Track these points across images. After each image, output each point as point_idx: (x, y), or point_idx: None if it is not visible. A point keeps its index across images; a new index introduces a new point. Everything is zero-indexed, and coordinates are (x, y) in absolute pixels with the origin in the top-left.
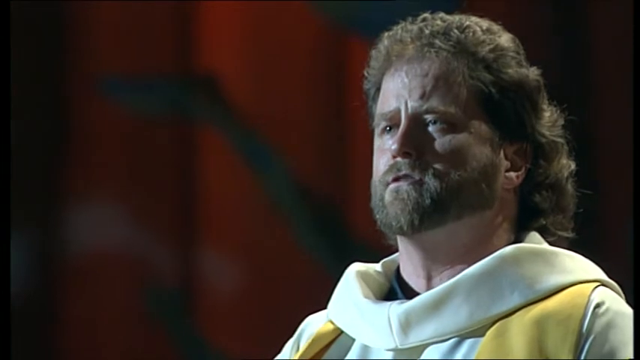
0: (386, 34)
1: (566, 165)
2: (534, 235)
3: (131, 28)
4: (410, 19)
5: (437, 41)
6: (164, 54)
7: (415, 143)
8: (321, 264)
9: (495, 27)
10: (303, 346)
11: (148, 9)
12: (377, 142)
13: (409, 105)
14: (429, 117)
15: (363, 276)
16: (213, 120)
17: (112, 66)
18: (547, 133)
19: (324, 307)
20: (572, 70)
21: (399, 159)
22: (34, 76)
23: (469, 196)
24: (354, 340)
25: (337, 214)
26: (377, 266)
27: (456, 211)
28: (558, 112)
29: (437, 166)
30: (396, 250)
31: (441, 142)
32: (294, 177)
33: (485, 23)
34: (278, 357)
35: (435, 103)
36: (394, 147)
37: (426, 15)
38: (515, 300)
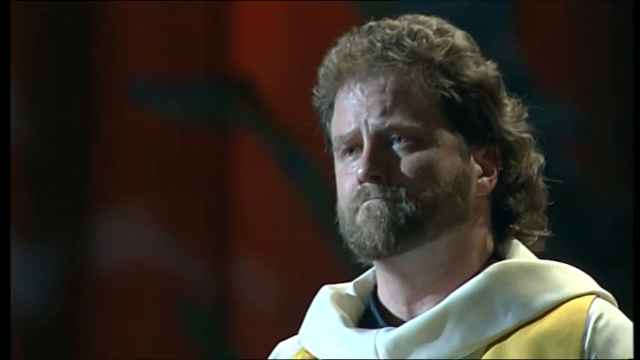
0: (333, 49)
1: (535, 159)
2: (518, 246)
3: (163, 29)
4: (355, 29)
5: (390, 53)
6: (197, 56)
7: (382, 165)
8: (357, 272)
9: (446, 26)
10: None
11: (180, 9)
12: (338, 165)
13: (370, 123)
14: (392, 134)
15: (337, 300)
16: (248, 126)
17: (142, 69)
18: (513, 130)
19: None
20: None
21: (366, 184)
22: (62, 79)
23: (445, 212)
24: None
25: None
26: (349, 288)
27: (433, 229)
28: (520, 104)
29: (408, 185)
30: (367, 268)
31: (410, 160)
32: (332, 185)
33: (434, 22)
34: None
35: (397, 119)
36: (360, 171)
37: (372, 24)
38: (509, 321)
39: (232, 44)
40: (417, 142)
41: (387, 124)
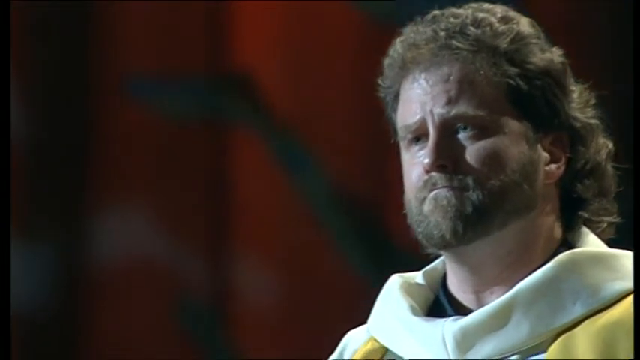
0: (398, 39)
1: (603, 145)
2: (587, 235)
3: (161, 25)
4: (419, 18)
5: (454, 42)
6: (196, 52)
7: (448, 154)
8: (361, 273)
9: (511, 13)
10: None
11: (179, 7)
12: (405, 155)
13: (435, 113)
14: (458, 124)
15: (407, 289)
16: (248, 123)
17: (141, 65)
18: (581, 116)
19: (365, 319)
20: None
21: (433, 173)
22: (61, 78)
23: (513, 200)
24: (402, 358)
25: (378, 222)
26: (418, 276)
27: (501, 218)
28: (587, 90)
29: (475, 174)
30: (436, 257)
31: (476, 149)
32: (332, 183)
33: (499, 10)
34: None
35: (462, 108)
36: (427, 161)
37: (436, 13)
38: (577, 310)
39: (231, 42)
40: (482, 131)
41: (452, 113)
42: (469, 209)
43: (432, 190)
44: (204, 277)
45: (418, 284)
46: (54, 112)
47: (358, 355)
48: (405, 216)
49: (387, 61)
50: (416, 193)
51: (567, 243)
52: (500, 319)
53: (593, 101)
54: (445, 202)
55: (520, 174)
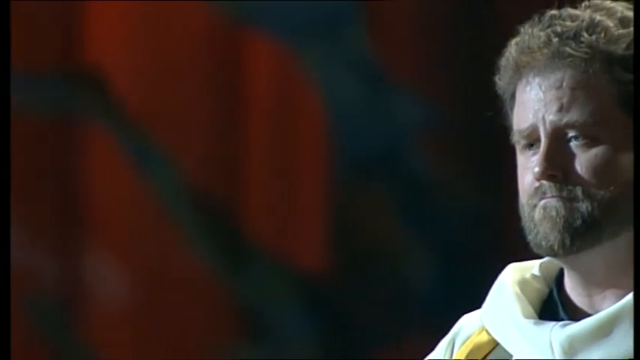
0: (513, 41)
1: None
2: None
3: (14, 23)
4: (536, 18)
5: (567, 48)
6: (48, 50)
7: (559, 163)
8: (214, 270)
9: (630, 14)
10: (457, 351)
11: (31, 3)
12: (519, 158)
13: (547, 120)
14: (569, 132)
15: (521, 286)
16: (100, 120)
17: None
18: None
19: (221, 314)
20: None
21: (543, 181)
22: None
23: (623, 211)
24: (511, 355)
25: (230, 219)
26: (535, 268)
27: (611, 229)
28: None
29: (585, 185)
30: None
31: (587, 159)
32: (185, 178)
33: (619, 10)
34: (432, 354)
35: (574, 116)
36: (537, 170)
37: (553, 13)
38: None
39: (84, 39)
40: (594, 140)
41: (564, 121)
42: (578, 221)
43: (542, 199)
44: (54, 273)
45: (534, 277)
46: None
47: (469, 346)
48: (258, 212)
49: (502, 62)
50: (527, 200)
51: None
52: (607, 330)
53: None
54: (554, 213)
55: (630, 184)
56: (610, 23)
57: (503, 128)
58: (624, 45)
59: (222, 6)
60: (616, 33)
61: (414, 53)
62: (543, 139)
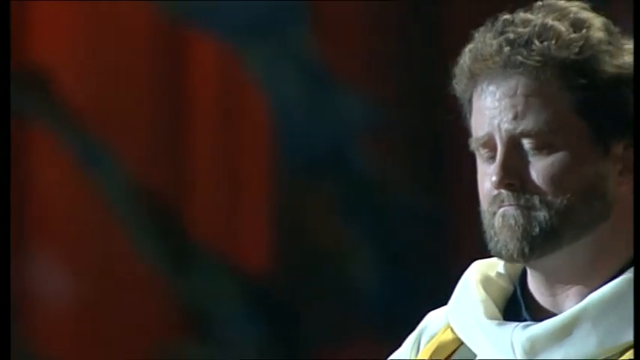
0: (467, 48)
1: None
2: None
3: None
4: (489, 24)
5: (519, 57)
6: None
7: (515, 171)
8: (158, 269)
9: (584, 15)
10: (422, 350)
11: None
12: (479, 165)
13: (502, 128)
14: (525, 140)
15: (485, 284)
16: (43, 118)
17: None
18: None
19: (166, 314)
20: None
21: (502, 190)
22: None
23: (581, 217)
24: (475, 355)
25: (175, 217)
26: (500, 266)
27: (570, 235)
28: None
29: (542, 193)
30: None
31: (543, 167)
32: (130, 178)
33: (572, 12)
34: (398, 352)
35: (529, 124)
36: (494, 179)
37: (506, 18)
38: None
39: (28, 39)
40: (550, 147)
41: (519, 130)
42: (536, 229)
43: (500, 207)
44: None
45: (499, 275)
46: None
47: (434, 345)
48: (203, 212)
49: (457, 69)
50: (487, 207)
51: None
52: (568, 331)
53: None
54: (513, 222)
55: (588, 189)
56: (562, 28)
57: (448, 128)
58: (576, 50)
59: (167, 5)
60: (568, 38)
61: (358, 53)
62: (499, 148)
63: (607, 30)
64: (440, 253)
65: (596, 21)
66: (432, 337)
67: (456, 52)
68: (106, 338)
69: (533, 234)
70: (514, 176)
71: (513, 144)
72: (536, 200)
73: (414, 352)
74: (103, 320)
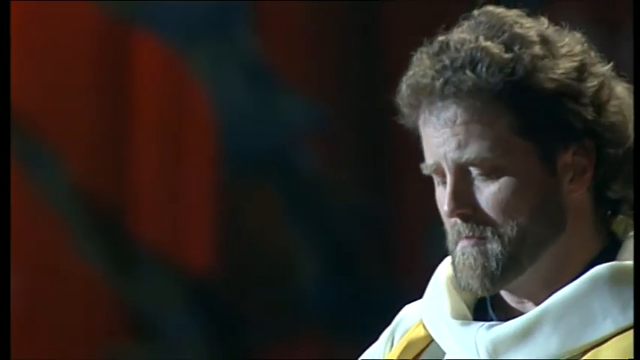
0: (404, 78)
1: (631, 130)
2: (630, 240)
3: None
4: (424, 48)
5: (452, 87)
6: None
7: (465, 199)
8: (100, 270)
9: (518, 30)
10: (396, 345)
11: None
12: (436, 189)
13: (448, 157)
14: (472, 168)
15: (453, 283)
16: None
17: None
18: (607, 120)
19: (108, 315)
20: None
21: (457, 219)
22: None
23: (536, 237)
24: (444, 353)
25: (118, 218)
26: None
27: (529, 257)
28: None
29: (492, 223)
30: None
31: (491, 193)
32: (72, 179)
33: (507, 22)
34: (373, 347)
35: (473, 152)
36: (445, 209)
37: (441, 40)
38: (607, 327)
39: None
40: (497, 171)
41: (464, 159)
42: (493, 264)
43: (459, 240)
44: None
45: None
46: None
47: (405, 341)
48: (146, 213)
49: (398, 99)
50: (449, 229)
51: (608, 251)
52: (531, 332)
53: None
54: (472, 261)
55: (539, 209)
56: (495, 50)
57: (393, 129)
58: (509, 70)
59: (110, 5)
60: (501, 60)
61: (302, 54)
62: (448, 177)
63: (542, 41)
64: (384, 254)
65: (532, 33)
66: (406, 331)
67: (399, 54)
68: (49, 340)
69: (492, 269)
70: (465, 205)
71: (462, 172)
72: (488, 232)
73: (389, 345)
74: (46, 322)
